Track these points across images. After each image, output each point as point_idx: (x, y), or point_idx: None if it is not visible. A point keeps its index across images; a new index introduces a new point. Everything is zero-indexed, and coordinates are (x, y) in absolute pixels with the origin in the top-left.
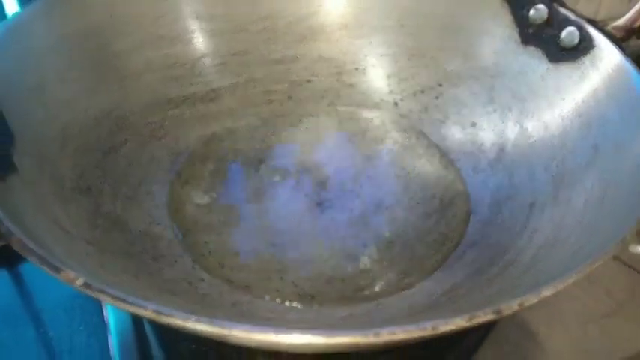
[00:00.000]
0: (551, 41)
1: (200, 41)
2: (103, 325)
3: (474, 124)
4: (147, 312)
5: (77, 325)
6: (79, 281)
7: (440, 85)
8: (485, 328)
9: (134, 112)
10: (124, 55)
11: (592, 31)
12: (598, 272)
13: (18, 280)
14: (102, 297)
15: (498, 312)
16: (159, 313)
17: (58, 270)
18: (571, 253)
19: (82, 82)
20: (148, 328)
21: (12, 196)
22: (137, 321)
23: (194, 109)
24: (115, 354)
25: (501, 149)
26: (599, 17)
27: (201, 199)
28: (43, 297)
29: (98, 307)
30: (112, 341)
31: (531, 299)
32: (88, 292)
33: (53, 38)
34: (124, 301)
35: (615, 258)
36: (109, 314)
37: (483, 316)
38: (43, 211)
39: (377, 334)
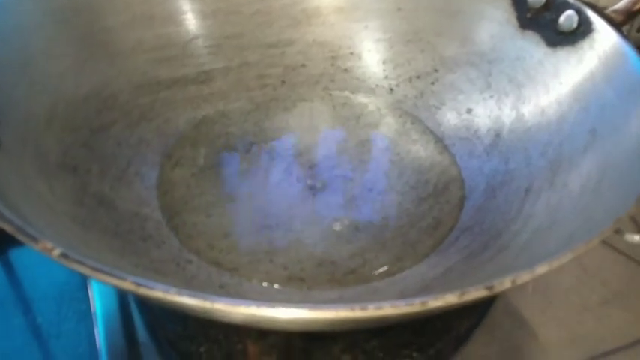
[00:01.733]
0: (550, 25)
1: (192, 22)
2: (91, 313)
3: (469, 110)
4: (126, 284)
5: (65, 312)
6: (56, 252)
7: (436, 70)
8: (478, 316)
9: (124, 91)
10: (113, 34)
11: (591, 15)
12: (593, 261)
13: (7, 267)
14: (80, 268)
15: (490, 288)
16: (138, 285)
17: (35, 240)
18: (565, 237)
19: (70, 58)
20: (135, 313)
21: None
22: (124, 306)
23: (185, 90)
24: (102, 341)
25: (497, 135)
26: (600, 3)
27: (191, 181)
28: (32, 284)
29: (87, 295)
30: (98, 328)
31: (524, 276)
32: (66, 263)
33: (40, 13)
34: (102, 272)
35: (611, 247)
36: (96, 300)
37: (475, 292)
38: (28, 187)
39: (363, 309)
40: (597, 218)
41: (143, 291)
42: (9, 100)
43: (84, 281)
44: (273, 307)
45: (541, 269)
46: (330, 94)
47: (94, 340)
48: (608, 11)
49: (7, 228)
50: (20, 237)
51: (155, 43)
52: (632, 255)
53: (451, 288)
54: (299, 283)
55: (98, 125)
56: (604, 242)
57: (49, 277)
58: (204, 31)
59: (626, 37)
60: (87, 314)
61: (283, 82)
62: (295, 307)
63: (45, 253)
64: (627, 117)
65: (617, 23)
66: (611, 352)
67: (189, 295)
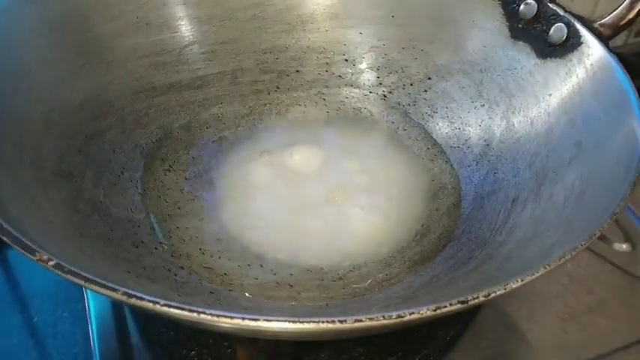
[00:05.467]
0: (540, 37)
1: (188, 28)
2: (86, 313)
3: (461, 119)
4: (117, 295)
5: (61, 313)
6: (52, 263)
7: (429, 78)
8: (464, 323)
9: (119, 98)
10: (109, 40)
11: (580, 28)
12: (580, 270)
13: (4, 267)
14: (74, 279)
15: (464, 302)
16: (129, 296)
17: (32, 251)
18: (547, 248)
19: (67, 65)
20: (128, 316)
21: None
22: (117, 309)
23: (180, 96)
24: (95, 342)
25: (487, 144)
26: (596, 13)
27: (184, 185)
28: (28, 284)
29: (82, 295)
30: (92, 329)
31: (498, 291)
32: (60, 274)
33: (37, 21)
34: (95, 283)
35: (597, 255)
36: (90, 302)
37: (449, 307)
38: (23, 194)
39: (342, 322)
40: (577, 231)
41: (133, 302)
42: (6, 106)
43: None
44: (256, 320)
45: (514, 284)
46: (324, 100)
47: (90, 340)
48: (596, 25)
49: (5, 239)
50: (17, 248)
51: (150, 49)
52: (618, 263)
53: (434, 297)
54: (288, 289)
55: (94, 131)
56: (590, 250)
57: (46, 277)
58: (200, 37)
59: (612, 50)
60: (83, 315)
61: (277, 87)
62: (278, 319)
63: (41, 265)
64: (611, 131)
65: (605, 37)
66: (594, 359)
67: (177, 307)
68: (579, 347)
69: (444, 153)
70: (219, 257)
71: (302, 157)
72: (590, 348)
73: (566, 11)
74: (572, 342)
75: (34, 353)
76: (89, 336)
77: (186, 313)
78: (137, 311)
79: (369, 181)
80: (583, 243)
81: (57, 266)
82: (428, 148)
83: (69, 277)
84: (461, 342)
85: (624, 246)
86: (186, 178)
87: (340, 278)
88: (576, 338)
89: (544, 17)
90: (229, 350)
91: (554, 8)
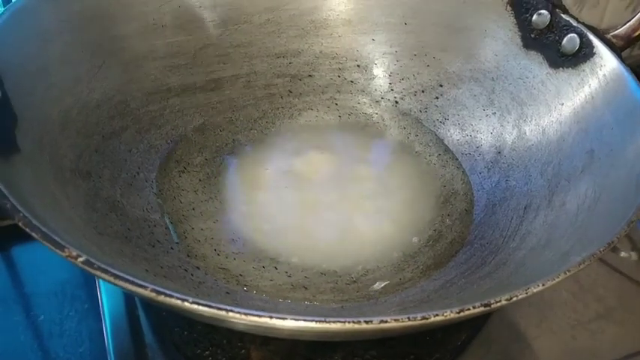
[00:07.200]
0: (553, 47)
1: (203, 31)
2: (93, 312)
3: (472, 126)
4: (146, 292)
5: (68, 311)
6: (81, 259)
7: (441, 85)
8: (475, 328)
9: (135, 98)
10: (126, 41)
11: (593, 39)
12: (589, 278)
13: (10, 265)
14: (102, 276)
15: (487, 305)
16: (158, 293)
17: (61, 247)
18: (561, 255)
19: (85, 65)
20: (142, 315)
21: (14, 175)
22: (131, 308)
23: (195, 98)
24: (109, 340)
25: (499, 152)
26: (603, 25)
27: (199, 186)
28: (35, 282)
29: (89, 294)
30: (106, 328)
31: (520, 294)
32: (89, 270)
33: (57, 21)
34: (124, 280)
35: (605, 264)
36: (103, 301)
37: (473, 309)
38: (43, 191)
39: (368, 322)
40: (591, 238)
41: (162, 299)
42: (26, 104)
43: (86, 280)
44: (284, 319)
45: (535, 289)
46: (336, 105)
47: (96, 339)
48: (609, 36)
49: (34, 234)
50: (46, 244)
51: (166, 51)
52: (626, 272)
53: (450, 301)
54: (302, 292)
55: (110, 131)
56: (599, 259)
57: (52, 275)
58: (215, 40)
59: (624, 62)
60: (89, 313)
61: (290, 91)
62: (305, 319)
63: (69, 261)
64: (624, 140)
65: (618, 48)
66: None
67: (206, 305)
68: (588, 354)
69: (456, 159)
70: (234, 258)
71: (314, 162)
72: (599, 355)
73: (579, 22)
74: (582, 349)
75: (40, 352)
76: (95, 334)
77: (214, 311)
78: (151, 310)
79: (380, 186)
80: (602, 249)
81: (86, 262)
82: (439, 155)
83: (98, 273)
84: (471, 347)
85: (632, 255)
86: (200, 180)
87: (354, 281)
88: (585, 345)
89: (557, 27)
90: (243, 351)
91: (567, 19)
